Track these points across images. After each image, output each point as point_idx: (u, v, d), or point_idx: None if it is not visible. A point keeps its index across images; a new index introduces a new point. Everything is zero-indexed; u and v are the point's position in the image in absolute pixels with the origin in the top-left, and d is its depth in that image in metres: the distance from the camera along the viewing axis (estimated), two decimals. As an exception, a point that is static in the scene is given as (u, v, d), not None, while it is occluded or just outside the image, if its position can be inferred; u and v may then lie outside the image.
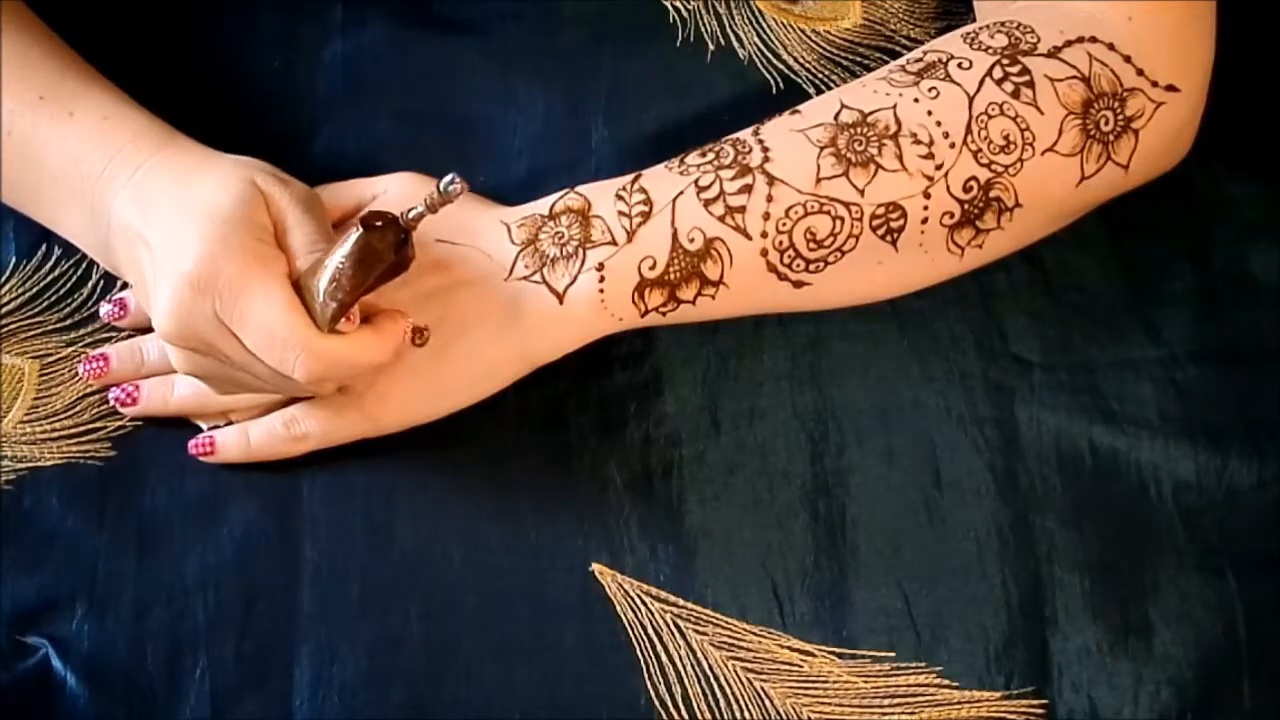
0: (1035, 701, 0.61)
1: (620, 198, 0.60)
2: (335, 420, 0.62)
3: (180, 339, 0.57)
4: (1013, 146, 0.59)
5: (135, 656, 0.61)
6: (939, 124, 0.59)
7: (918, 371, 0.65)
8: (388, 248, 0.53)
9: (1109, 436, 0.64)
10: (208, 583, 0.62)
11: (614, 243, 0.59)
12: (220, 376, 0.60)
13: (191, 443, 0.64)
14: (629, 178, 0.61)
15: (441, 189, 0.51)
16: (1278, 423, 0.65)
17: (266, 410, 0.63)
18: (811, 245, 0.59)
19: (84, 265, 0.67)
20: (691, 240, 0.59)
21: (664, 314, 0.60)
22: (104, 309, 0.66)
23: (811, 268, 0.60)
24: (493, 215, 0.62)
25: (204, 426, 0.64)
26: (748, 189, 0.58)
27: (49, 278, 0.67)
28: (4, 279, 0.67)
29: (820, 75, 0.70)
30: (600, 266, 0.59)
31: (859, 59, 0.70)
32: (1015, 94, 0.59)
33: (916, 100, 0.59)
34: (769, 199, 0.58)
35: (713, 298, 0.60)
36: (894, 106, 0.59)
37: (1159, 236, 0.68)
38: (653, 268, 0.59)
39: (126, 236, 0.59)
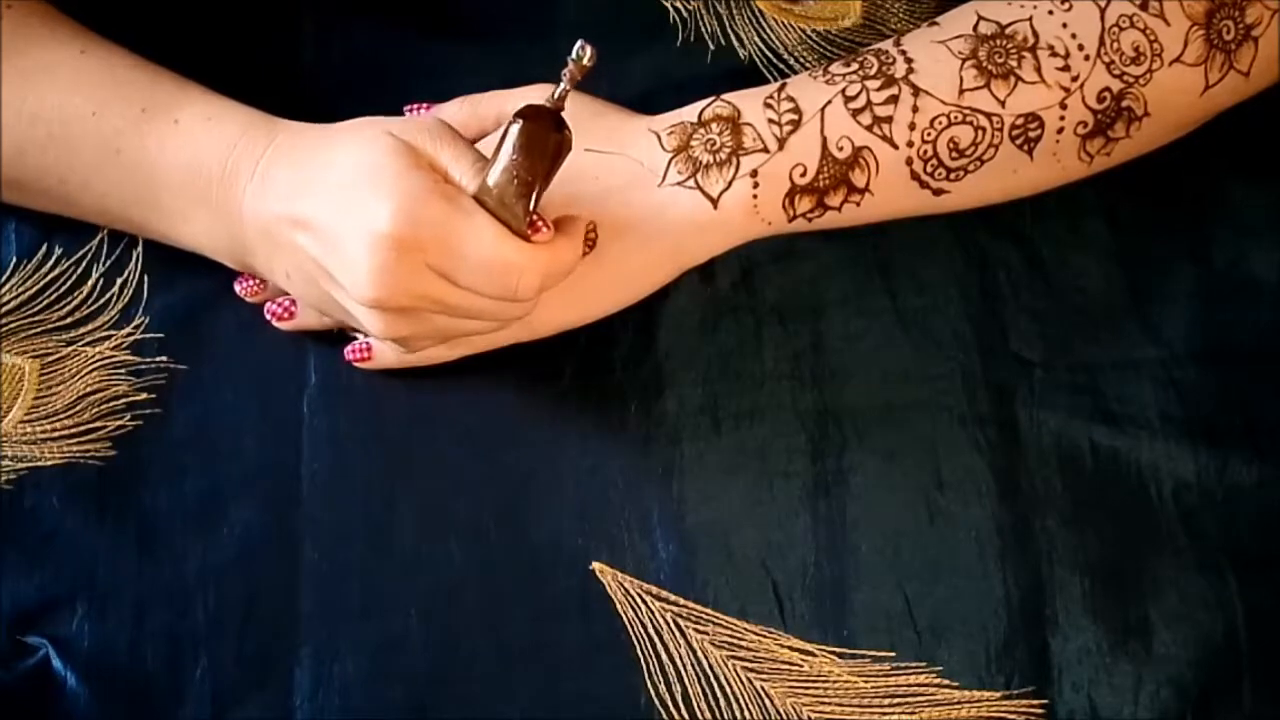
0: (1035, 701, 0.61)
1: (769, 105, 0.61)
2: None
3: (390, 300, 0.57)
4: (1143, 58, 0.61)
5: (135, 656, 0.61)
6: (1074, 36, 0.61)
7: (918, 371, 0.65)
8: (549, 128, 0.55)
9: (1109, 436, 0.64)
10: (208, 583, 0.62)
11: (766, 150, 0.61)
12: (423, 331, 0.60)
13: (349, 349, 0.64)
14: (774, 86, 0.62)
15: (575, 58, 0.53)
16: (1278, 423, 0.65)
17: None
18: (954, 155, 0.61)
19: (84, 264, 0.67)
20: (840, 149, 0.61)
21: (810, 220, 0.62)
22: (240, 286, 0.66)
23: (952, 176, 0.62)
24: (639, 123, 0.63)
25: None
26: (894, 99, 0.60)
27: (49, 277, 0.67)
28: (4, 278, 0.67)
29: (821, 75, 0.70)
30: (754, 173, 0.61)
31: (859, 58, 0.70)
32: (1143, 5, 0.61)
33: (1051, 13, 0.61)
34: (914, 109, 0.60)
35: (857, 204, 0.62)
36: (1030, 19, 0.61)
37: (1159, 236, 0.68)
38: (803, 175, 0.61)
39: (270, 228, 0.59)
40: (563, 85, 0.55)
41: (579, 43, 0.53)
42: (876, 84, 0.61)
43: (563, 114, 0.56)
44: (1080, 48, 0.61)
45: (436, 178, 0.57)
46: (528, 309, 0.60)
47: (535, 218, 0.57)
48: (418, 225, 0.55)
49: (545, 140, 0.55)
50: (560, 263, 0.58)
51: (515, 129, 0.55)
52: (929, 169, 0.61)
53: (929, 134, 0.61)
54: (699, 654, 0.61)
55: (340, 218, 0.56)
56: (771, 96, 0.62)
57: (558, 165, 0.56)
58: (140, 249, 0.67)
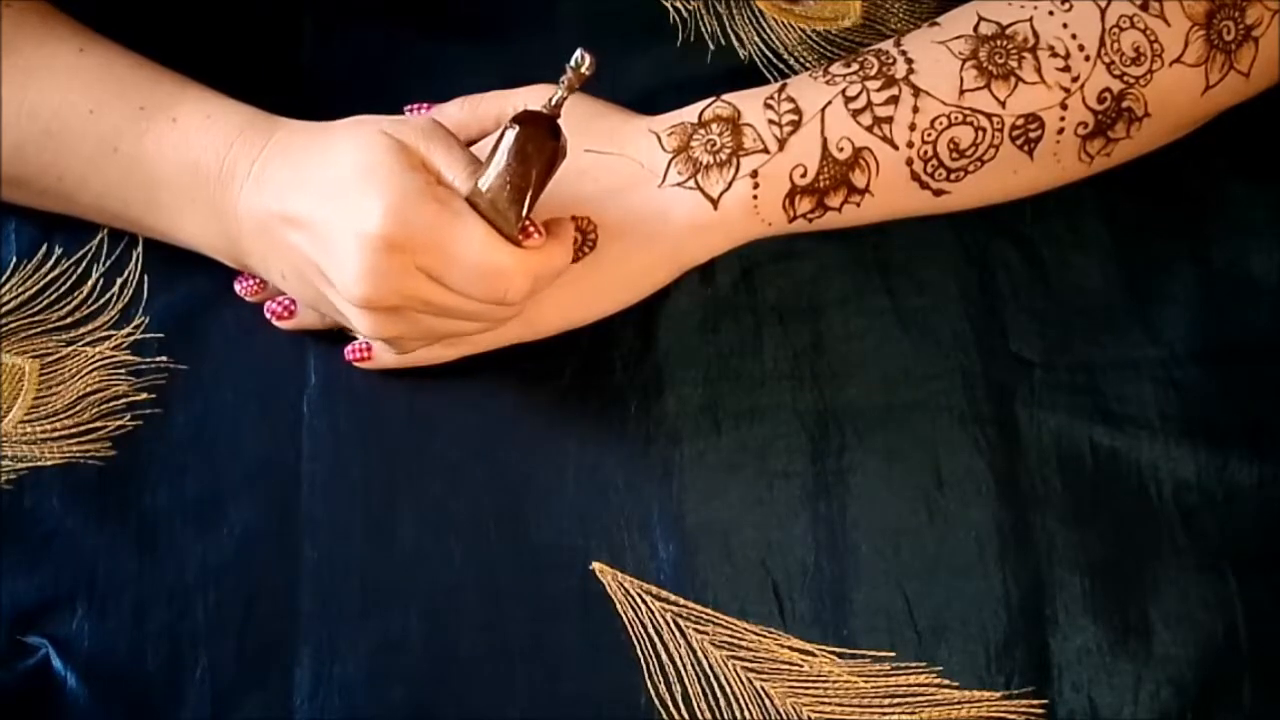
0: (1035, 701, 0.61)
1: (769, 106, 0.62)
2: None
3: (379, 300, 0.57)
4: (1143, 58, 0.61)
5: (135, 656, 0.61)
6: (1074, 37, 0.61)
7: (918, 371, 0.65)
8: (545, 136, 0.55)
9: (1109, 436, 0.64)
10: (208, 583, 0.62)
11: (766, 150, 0.61)
12: (413, 332, 0.60)
13: (349, 349, 0.64)
14: (774, 86, 0.62)
15: (574, 66, 0.53)
16: (1278, 423, 0.65)
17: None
18: (954, 155, 0.61)
19: (84, 264, 0.67)
20: (840, 149, 0.61)
21: (810, 220, 0.62)
22: (240, 285, 0.66)
23: (952, 177, 0.62)
24: (639, 124, 0.63)
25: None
26: (894, 100, 0.61)
27: (49, 276, 0.67)
28: (4, 278, 0.67)
29: (820, 75, 0.70)
30: (754, 174, 0.61)
31: (859, 58, 0.70)
32: (1144, 6, 0.61)
33: (1051, 14, 0.61)
34: (915, 110, 0.61)
35: (858, 205, 0.62)
36: (1030, 19, 0.61)
37: (1159, 236, 0.68)
38: (804, 175, 0.61)
39: (266, 226, 0.59)
40: (560, 92, 0.55)
41: (579, 51, 0.53)
42: (877, 84, 0.61)
43: (559, 121, 0.55)
44: (1080, 48, 0.61)
45: (429, 179, 0.57)
46: (517, 311, 0.60)
47: (527, 223, 0.57)
48: (408, 226, 0.55)
49: (541, 148, 0.55)
50: (550, 267, 0.58)
51: (511, 134, 0.55)
52: (929, 169, 0.61)
53: (929, 134, 0.61)
54: (699, 654, 0.61)
55: (332, 216, 0.56)
56: (771, 97, 0.62)
57: (552, 173, 0.56)
58: (140, 249, 0.67)
